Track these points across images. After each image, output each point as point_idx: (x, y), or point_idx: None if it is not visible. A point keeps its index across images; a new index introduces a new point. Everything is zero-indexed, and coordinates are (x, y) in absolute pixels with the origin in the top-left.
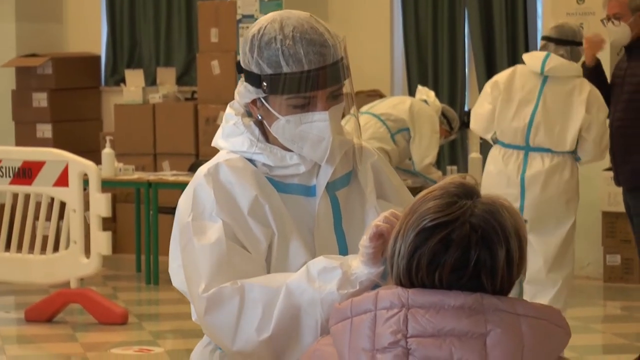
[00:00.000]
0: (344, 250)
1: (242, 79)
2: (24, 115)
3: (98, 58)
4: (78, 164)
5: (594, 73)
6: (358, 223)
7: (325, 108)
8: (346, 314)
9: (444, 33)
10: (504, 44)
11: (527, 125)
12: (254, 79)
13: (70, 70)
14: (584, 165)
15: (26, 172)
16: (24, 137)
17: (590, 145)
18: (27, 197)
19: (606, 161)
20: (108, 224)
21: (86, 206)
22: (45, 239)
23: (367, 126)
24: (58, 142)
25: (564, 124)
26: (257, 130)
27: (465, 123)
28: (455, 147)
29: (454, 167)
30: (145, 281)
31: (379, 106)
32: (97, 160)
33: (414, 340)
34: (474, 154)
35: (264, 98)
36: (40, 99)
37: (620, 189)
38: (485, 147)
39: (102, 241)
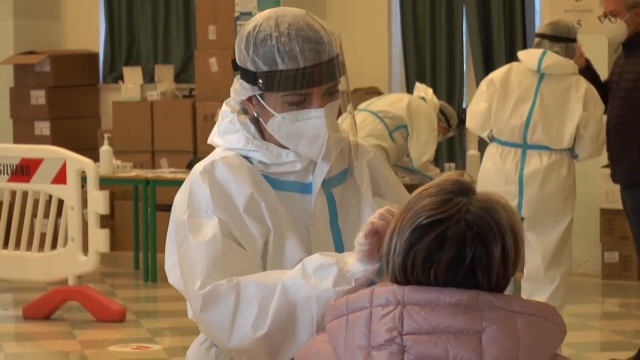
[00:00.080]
0: (339, 248)
1: (238, 76)
2: (22, 112)
3: (96, 55)
4: (76, 161)
5: (585, 75)
6: (354, 220)
7: (321, 105)
8: (342, 311)
9: (441, 30)
10: (502, 41)
11: (524, 123)
12: (250, 76)
13: (68, 67)
14: (581, 162)
15: (24, 170)
16: (22, 134)
17: (587, 142)
18: (25, 194)
19: (604, 158)
20: (106, 221)
21: (84, 203)
22: (43, 236)
23: (364, 123)
24: (56, 139)
25: (562, 121)
26: (253, 128)
27: (463, 120)
28: (453, 145)
29: (452, 165)
30: (143, 278)
31: (377, 103)
32: (95, 158)
33: (410, 338)
34: (472, 151)
35: (260, 95)
36: (38, 97)
37: (618, 186)
38: (483, 145)
39: (100, 238)
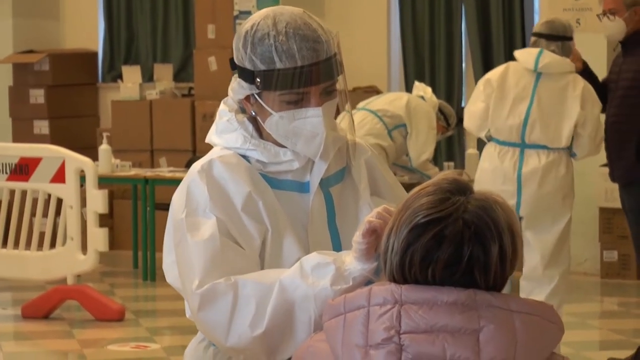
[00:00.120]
0: (337, 247)
1: (236, 75)
2: (21, 111)
3: (95, 54)
4: (75, 160)
5: (583, 76)
6: (352, 219)
7: (319, 104)
8: (339, 310)
9: (440, 29)
10: (501, 40)
11: (522, 122)
12: (248, 75)
13: (67, 66)
14: (579, 160)
15: (23, 169)
16: (21, 133)
17: (585, 141)
18: (24, 193)
19: (602, 157)
20: (105, 220)
21: (83, 202)
22: (42, 235)
23: (363, 122)
24: (55, 138)
25: (559, 120)
26: (250, 127)
27: (462, 119)
28: (452, 143)
29: (451, 164)
30: (142, 277)
31: (376, 102)
32: (94, 157)
33: (407, 337)
34: (471, 150)
35: (258, 94)
36: (37, 96)
37: (617, 185)
38: (482, 144)
39: (99, 237)
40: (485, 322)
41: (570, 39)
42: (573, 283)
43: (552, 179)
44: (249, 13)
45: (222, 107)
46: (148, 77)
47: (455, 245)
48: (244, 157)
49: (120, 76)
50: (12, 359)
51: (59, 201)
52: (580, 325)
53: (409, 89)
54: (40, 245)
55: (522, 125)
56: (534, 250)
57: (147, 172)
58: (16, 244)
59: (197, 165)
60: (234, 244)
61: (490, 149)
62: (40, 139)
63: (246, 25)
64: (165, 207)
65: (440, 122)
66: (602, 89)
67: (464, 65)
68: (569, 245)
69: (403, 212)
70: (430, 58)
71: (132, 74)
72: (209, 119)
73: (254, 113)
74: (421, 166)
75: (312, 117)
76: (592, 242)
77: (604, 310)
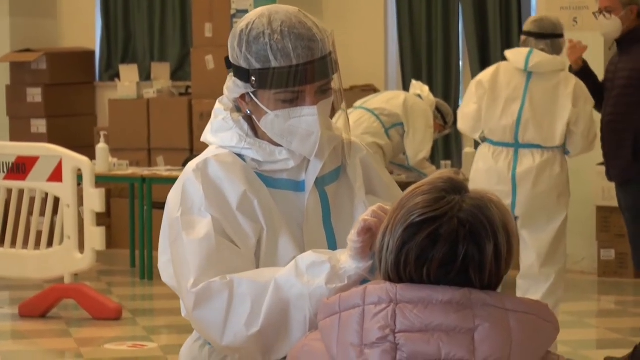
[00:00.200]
0: (332, 246)
1: (231, 74)
2: (19, 110)
3: (92, 53)
4: (72, 159)
5: (582, 75)
6: (347, 218)
7: (314, 102)
8: (334, 309)
9: (438, 27)
10: (498, 39)
11: (515, 122)
12: (243, 74)
13: (64, 65)
14: (573, 158)
15: (20, 168)
16: (19, 132)
17: (578, 139)
18: (21, 192)
19: (599, 156)
20: (102, 219)
21: (80, 201)
22: (39, 234)
23: (361, 121)
24: (52, 137)
25: (552, 119)
26: (246, 126)
27: None
28: (449, 142)
29: (448, 162)
30: (139, 276)
31: (373, 101)
32: (92, 156)
33: (402, 336)
34: (468, 149)
35: (253, 93)
36: (35, 94)
37: (614, 184)
38: (478, 142)
39: (96, 236)
40: (480, 321)
41: (560, 36)
42: (570, 282)
43: (547, 178)
44: (246, 12)
45: (218, 105)
46: (145, 75)
47: (450, 244)
48: (240, 156)
49: (117, 75)
50: (9, 358)
51: (56, 200)
52: (578, 324)
53: (406, 87)
54: (37, 244)
55: (515, 125)
56: (530, 249)
57: (145, 171)
58: (13, 243)
59: (192, 164)
60: (229, 242)
61: (484, 149)
62: (37, 137)
63: (241, 24)
64: (163, 206)
65: (437, 121)
66: (601, 88)
67: (461, 63)
68: (565, 243)
69: (398, 211)
70: (428, 56)
71: (129, 73)
72: (207, 117)
73: (249, 112)
74: (418, 165)
75: (307, 116)
76: (590, 241)
77: (601, 309)
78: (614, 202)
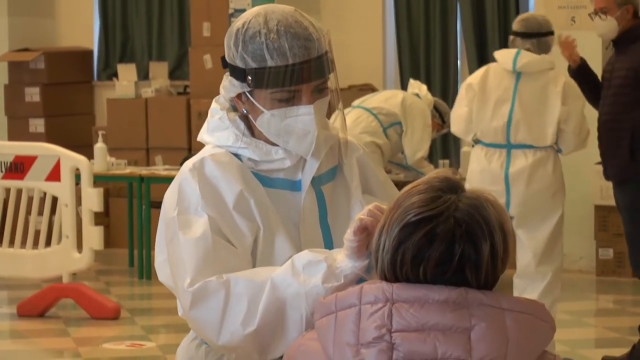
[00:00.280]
0: (329, 245)
1: (227, 73)
2: (17, 109)
3: (90, 52)
4: (70, 158)
5: (581, 73)
6: (343, 217)
7: (310, 102)
8: (331, 309)
9: (436, 26)
10: (496, 38)
11: (506, 123)
12: (239, 73)
13: (62, 64)
14: (568, 156)
15: (18, 167)
16: (17, 131)
17: (570, 137)
18: (19, 191)
19: (597, 155)
20: (100, 218)
21: (78, 201)
22: (37, 233)
23: (359, 120)
24: (50, 136)
25: (543, 118)
26: (242, 125)
27: None
28: (447, 141)
29: (446, 161)
30: (137, 276)
31: (371, 100)
32: (90, 155)
33: (399, 335)
34: (466, 148)
35: (249, 92)
36: (33, 94)
37: (612, 183)
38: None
39: (94, 236)
40: (476, 321)
41: (546, 34)
42: (568, 281)
43: (540, 177)
44: (244, 11)
45: (214, 105)
46: (143, 75)
47: (446, 244)
48: (236, 155)
49: (115, 74)
50: (7, 358)
51: (55, 199)
52: (576, 323)
53: (404, 86)
54: (35, 244)
55: (506, 126)
56: (526, 248)
57: (143, 170)
58: (11, 243)
59: (188, 164)
60: (225, 242)
61: (477, 151)
62: (35, 137)
63: (237, 23)
64: (161, 205)
65: (435, 120)
66: (601, 87)
67: (459, 63)
68: (562, 242)
69: (394, 210)
70: (426, 56)
71: (127, 72)
72: (205, 117)
73: (245, 111)
74: (416, 164)
75: (303, 115)
76: (588, 240)
77: (599, 308)
78: (612, 201)
